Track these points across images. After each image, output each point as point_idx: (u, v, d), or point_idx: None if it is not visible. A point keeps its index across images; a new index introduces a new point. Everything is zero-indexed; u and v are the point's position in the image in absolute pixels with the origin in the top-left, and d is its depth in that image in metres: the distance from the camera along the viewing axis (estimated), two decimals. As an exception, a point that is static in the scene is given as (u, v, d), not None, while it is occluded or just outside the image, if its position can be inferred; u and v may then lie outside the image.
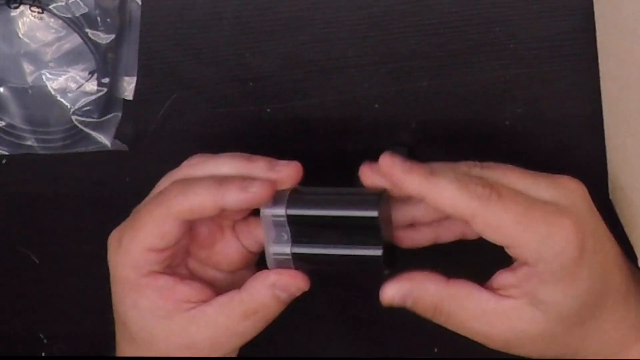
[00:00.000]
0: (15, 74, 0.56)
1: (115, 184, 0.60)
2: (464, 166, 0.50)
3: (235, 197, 0.48)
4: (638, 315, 0.51)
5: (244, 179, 0.49)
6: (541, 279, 0.48)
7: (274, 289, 0.49)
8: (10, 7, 0.54)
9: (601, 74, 0.54)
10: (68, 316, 0.64)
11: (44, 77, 0.56)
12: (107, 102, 0.56)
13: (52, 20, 0.55)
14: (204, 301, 0.50)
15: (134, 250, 0.50)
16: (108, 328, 0.64)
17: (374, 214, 0.48)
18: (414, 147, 0.58)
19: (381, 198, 0.49)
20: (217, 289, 0.52)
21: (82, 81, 0.56)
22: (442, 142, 0.57)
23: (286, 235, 0.50)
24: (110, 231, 0.62)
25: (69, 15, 0.54)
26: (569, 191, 0.49)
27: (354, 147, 0.58)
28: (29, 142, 0.57)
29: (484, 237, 0.48)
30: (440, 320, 0.50)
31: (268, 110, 0.57)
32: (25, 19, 0.55)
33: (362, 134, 0.57)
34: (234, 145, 0.58)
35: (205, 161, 0.52)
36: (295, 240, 0.49)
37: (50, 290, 0.64)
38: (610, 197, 0.55)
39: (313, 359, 0.61)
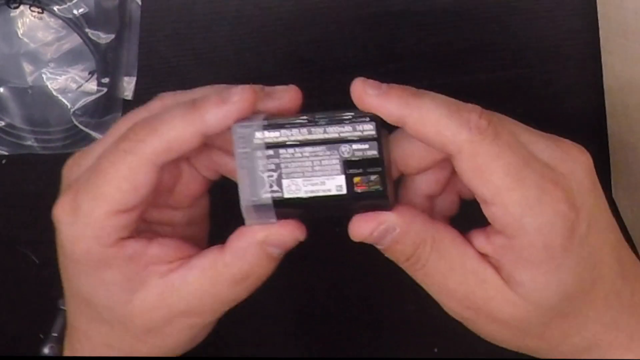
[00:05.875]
0: (15, 74, 0.56)
1: (115, 184, 0.60)
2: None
3: (216, 115, 0.39)
4: (631, 319, 0.42)
5: (221, 92, 0.40)
6: (519, 256, 0.39)
7: (265, 247, 0.40)
8: (10, 7, 0.55)
9: (604, 73, 0.54)
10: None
11: (44, 77, 0.56)
12: (107, 102, 0.56)
13: (52, 20, 0.55)
14: (181, 259, 0.42)
15: (98, 216, 0.40)
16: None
17: (372, 131, 0.38)
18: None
19: (377, 120, 0.39)
20: (177, 229, 0.45)
21: (82, 81, 0.56)
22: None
23: (265, 170, 0.39)
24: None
25: (69, 15, 0.54)
26: (570, 157, 0.40)
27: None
28: (29, 142, 0.57)
29: (463, 180, 0.39)
30: (415, 268, 0.41)
31: (268, 110, 0.57)
32: (25, 18, 0.55)
33: (362, 134, 0.57)
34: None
35: (177, 96, 0.42)
36: (278, 177, 0.39)
37: (50, 290, 0.64)
38: (614, 196, 0.55)
39: (313, 359, 0.61)
